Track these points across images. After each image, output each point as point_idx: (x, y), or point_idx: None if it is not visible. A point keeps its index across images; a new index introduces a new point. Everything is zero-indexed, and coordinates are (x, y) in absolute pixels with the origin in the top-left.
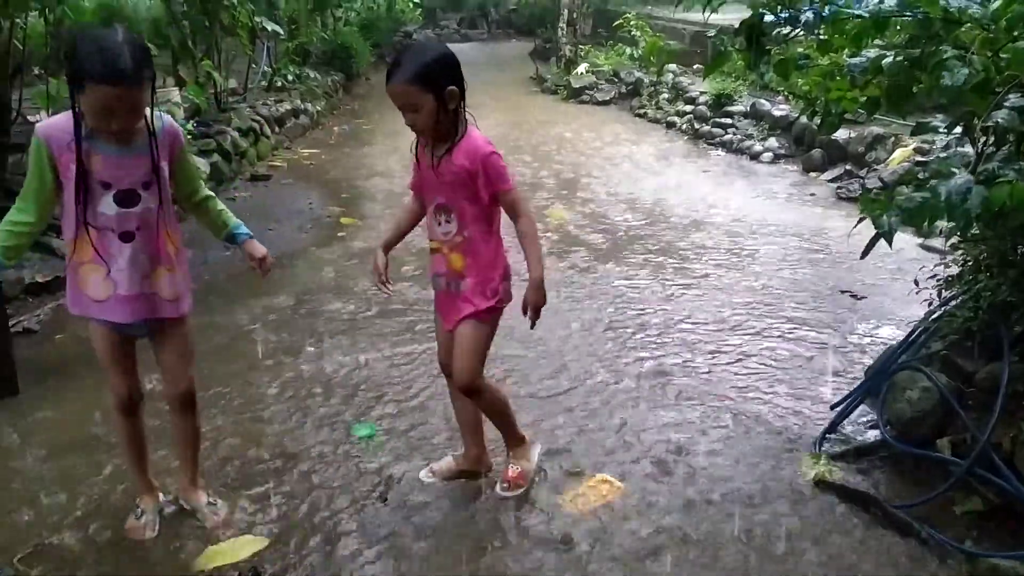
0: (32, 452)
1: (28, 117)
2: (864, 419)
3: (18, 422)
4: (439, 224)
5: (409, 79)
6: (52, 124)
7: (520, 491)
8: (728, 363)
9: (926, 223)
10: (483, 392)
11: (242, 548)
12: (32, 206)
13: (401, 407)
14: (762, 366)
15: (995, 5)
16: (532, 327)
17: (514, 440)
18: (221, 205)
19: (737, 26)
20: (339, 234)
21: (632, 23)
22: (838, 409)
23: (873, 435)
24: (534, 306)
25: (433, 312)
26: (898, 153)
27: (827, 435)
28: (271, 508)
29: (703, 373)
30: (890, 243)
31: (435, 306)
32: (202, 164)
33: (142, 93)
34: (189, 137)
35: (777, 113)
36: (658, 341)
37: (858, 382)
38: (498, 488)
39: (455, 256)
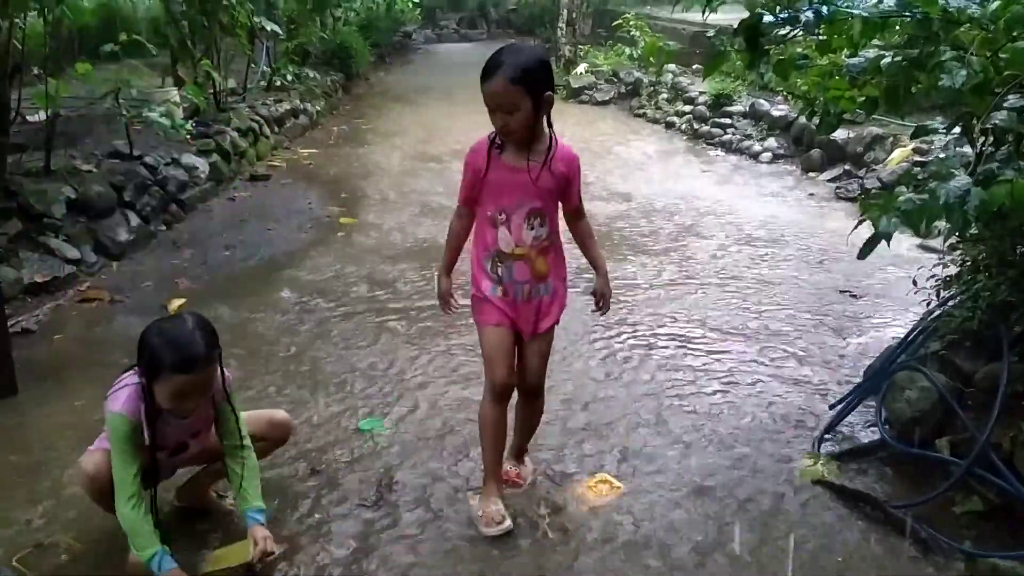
0: (31, 453)
1: (27, 117)
2: (863, 419)
3: (17, 422)
4: (531, 229)
5: (512, 79)
6: (127, 403)
7: (516, 490)
8: (725, 362)
9: (924, 224)
10: (541, 396)
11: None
12: (136, 481)
13: (403, 405)
14: (760, 365)
15: (994, 5)
16: (604, 314)
17: (521, 451)
18: (251, 470)
19: (736, 26)
20: (339, 234)
21: (631, 23)
22: (837, 409)
23: (872, 435)
24: (607, 295)
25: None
26: (897, 153)
27: (826, 435)
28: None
29: (699, 372)
30: (888, 244)
31: (494, 315)
32: (201, 164)
33: (214, 371)
34: (188, 137)
35: (776, 113)
36: (654, 340)
37: (857, 381)
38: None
39: (540, 260)
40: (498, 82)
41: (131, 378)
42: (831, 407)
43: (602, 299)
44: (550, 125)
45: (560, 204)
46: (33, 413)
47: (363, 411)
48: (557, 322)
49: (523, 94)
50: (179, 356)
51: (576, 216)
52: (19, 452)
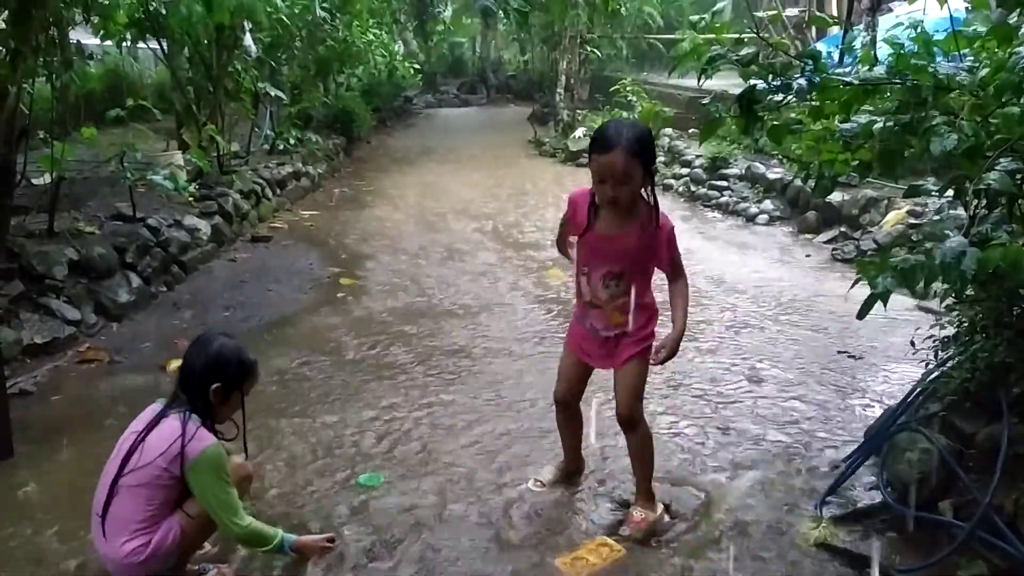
0: (27, 516)
1: (32, 180)
2: (865, 481)
3: (12, 485)
4: (606, 288)
5: (631, 151)
6: (210, 436)
7: (640, 535)
8: (726, 424)
9: (921, 284)
10: (640, 425)
11: None
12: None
13: (397, 466)
14: (760, 427)
15: (983, 72)
16: (656, 364)
17: (645, 491)
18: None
19: (730, 92)
20: (338, 295)
21: (628, 88)
22: (838, 471)
23: (874, 497)
24: (671, 354)
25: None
26: (892, 215)
27: (828, 497)
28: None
29: (698, 437)
30: (885, 304)
31: (572, 343)
32: (203, 226)
33: None
34: (191, 199)
35: (772, 176)
36: (652, 404)
37: (858, 443)
38: (624, 529)
39: (616, 314)
40: (617, 154)
41: (177, 421)
42: (832, 469)
43: (662, 351)
44: (654, 194)
45: (657, 266)
46: (28, 475)
47: (361, 467)
48: (635, 357)
49: (639, 165)
50: (251, 358)
51: (671, 277)
52: (13, 515)
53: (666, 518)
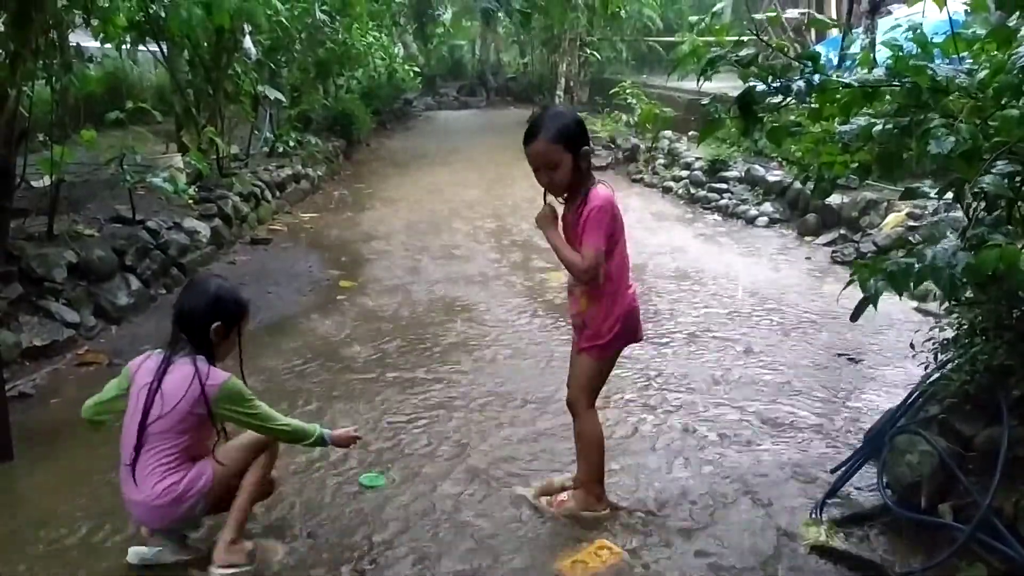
0: (25, 519)
1: (31, 182)
2: (864, 483)
3: (12, 488)
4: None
5: (551, 138)
6: (223, 372)
7: (549, 513)
8: (725, 426)
9: (912, 286)
10: (581, 416)
11: None
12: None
13: (398, 467)
14: (759, 430)
15: (982, 75)
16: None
17: (587, 480)
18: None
19: (729, 94)
20: (338, 297)
21: (628, 91)
22: (838, 474)
23: (874, 499)
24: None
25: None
26: (891, 218)
27: (827, 500)
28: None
29: (699, 437)
30: (876, 306)
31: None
32: (202, 228)
33: None
34: (190, 201)
35: (771, 178)
36: (652, 404)
37: (858, 446)
38: (530, 496)
39: (583, 300)
40: (539, 143)
41: (188, 364)
42: (832, 471)
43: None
44: (592, 177)
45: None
46: (28, 478)
47: (362, 468)
48: (585, 351)
49: (563, 150)
50: (245, 298)
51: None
52: (13, 519)
53: (602, 512)
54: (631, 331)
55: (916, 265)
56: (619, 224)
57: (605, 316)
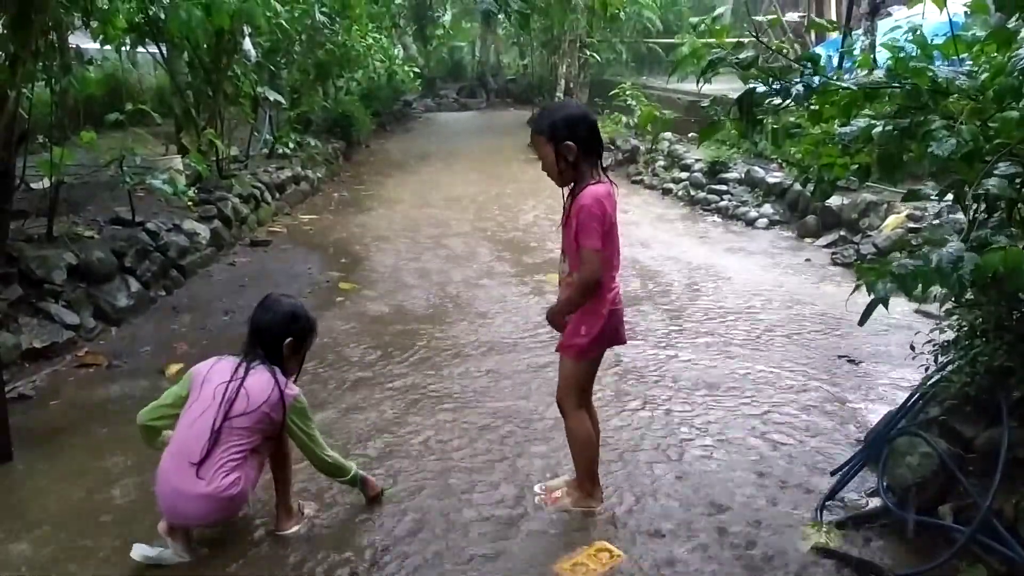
0: (25, 520)
1: (31, 184)
2: (865, 485)
3: (11, 489)
4: (561, 262)
5: (536, 129)
6: (295, 386)
7: (546, 507)
8: (724, 428)
9: (919, 290)
10: (568, 416)
11: None
12: None
13: (398, 470)
14: (760, 432)
15: (982, 76)
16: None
17: (580, 478)
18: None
19: (729, 96)
20: (338, 299)
21: (628, 92)
22: (838, 475)
23: (874, 502)
24: (549, 320)
25: None
26: (891, 220)
27: (827, 502)
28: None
29: (698, 439)
30: (887, 307)
31: None
32: (202, 230)
33: None
34: (190, 203)
35: (771, 180)
36: (652, 406)
37: (858, 448)
38: (537, 487)
39: (565, 294)
40: (532, 136)
41: (267, 372)
42: (832, 473)
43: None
44: (590, 174)
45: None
46: (27, 479)
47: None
48: (566, 350)
49: (545, 142)
50: (314, 318)
51: (576, 263)
52: (12, 520)
53: (590, 508)
54: (612, 332)
55: (924, 268)
56: (609, 223)
57: (583, 316)
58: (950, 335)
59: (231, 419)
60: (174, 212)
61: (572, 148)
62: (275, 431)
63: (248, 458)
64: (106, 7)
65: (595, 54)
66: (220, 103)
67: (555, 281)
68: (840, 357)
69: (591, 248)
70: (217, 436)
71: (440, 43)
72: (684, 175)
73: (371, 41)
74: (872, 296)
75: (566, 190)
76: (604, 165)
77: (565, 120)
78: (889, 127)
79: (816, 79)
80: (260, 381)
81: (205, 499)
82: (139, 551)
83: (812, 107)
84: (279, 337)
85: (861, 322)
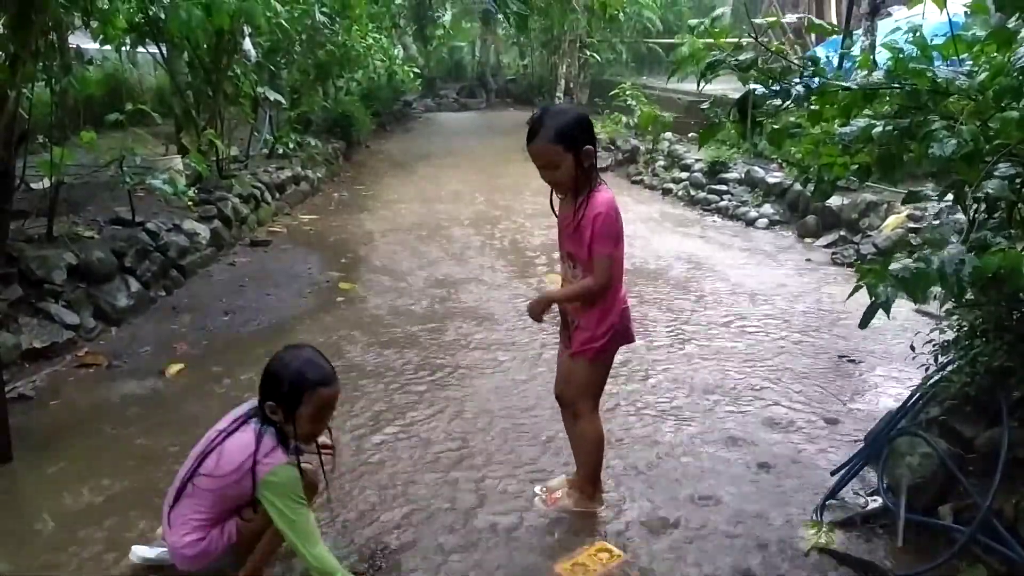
0: (25, 520)
1: (31, 184)
2: (865, 485)
3: (11, 489)
4: (569, 268)
5: (551, 139)
6: (282, 454)
7: (545, 509)
8: (724, 428)
9: (920, 292)
10: (583, 417)
11: None
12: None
13: (397, 470)
14: (760, 432)
15: (982, 77)
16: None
17: (583, 480)
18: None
19: (729, 96)
20: (338, 299)
21: (628, 93)
22: (838, 475)
23: (874, 501)
24: (528, 308)
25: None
26: (891, 220)
27: (828, 501)
28: None
29: (698, 439)
30: (888, 313)
31: (560, 335)
32: (202, 230)
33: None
34: (190, 203)
35: (771, 180)
36: (653, 406)
37: (858, 448)
38: (537, 488)
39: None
40: (539, 143)
41: (249, 433)
42: (832, 473)
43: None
44: (596, 177)
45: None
46: (27, 479)
47: (361, 470)
48: (579, 355)
49: (563, 151)
50: (321, 371)
51: (590, 271)
52: (12, 520)
53: (595, 508)
54: (625, 331)
55: (925, 270)
56: (621, 228)
57: (601, 319)
58: (950, 335)
59: (198, 477)
60: (174, 212)
61: (591, 152)
62: (247, 502)
63: (214, 523)
64: (106, 7)
65: (595, 54)
66: (220, 103)
67: (555, 281)
68: (840, 357)
69: (607, 255)
70: (182, 489)
71: (440, 43)
72: (684, 175)
73: (371, 41)
74: (873, 300)
75: (555, 194)
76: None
77: (577, 124)
78: (889, 127)
79: (815, 80)
80: (239, 443)
81: (173, 550)
82: (138, 553)
83: (812, 107)
84: (262, 397)
85: (862, 325)
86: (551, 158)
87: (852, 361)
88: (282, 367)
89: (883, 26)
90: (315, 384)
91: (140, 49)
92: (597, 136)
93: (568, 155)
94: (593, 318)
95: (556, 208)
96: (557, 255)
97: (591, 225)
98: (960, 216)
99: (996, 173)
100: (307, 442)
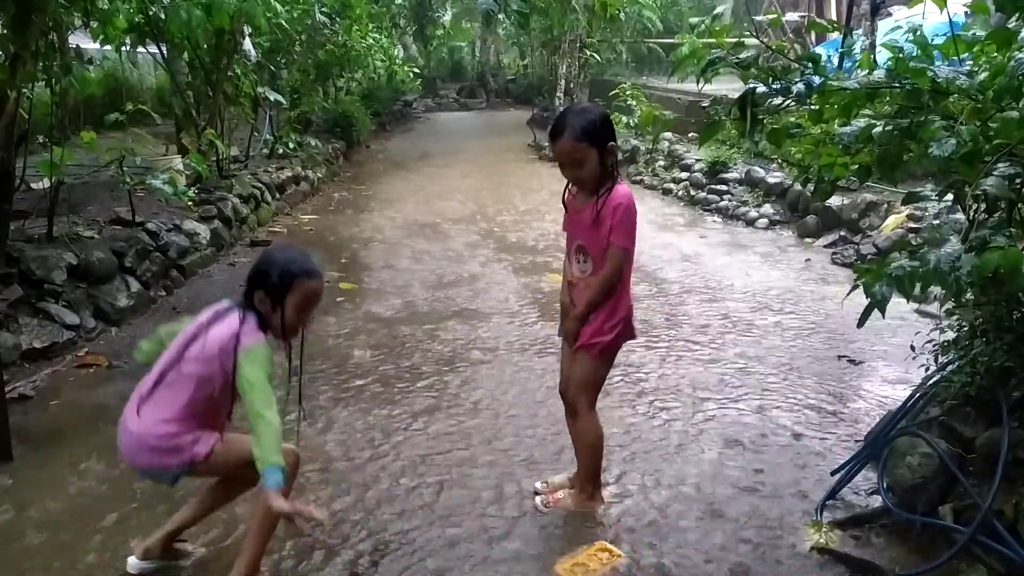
0: (24, 520)
1: (31, 184)
2: (865, 485)
3: (11, 490)
4: (578, 262)
5: (577, 136)
6: (259, 333)
7: (546, 511)
8: (724, 428)
9: (917, 290)
10: (581, 415)
11: None
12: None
13: (397, 470)
14: (760, 432)
15: (982, 76)
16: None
17: (583, 480)
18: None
19: (729, 96)
20: (338, 299)
21: (628, 93)
22: (839, 475)
23: (874, 501)
24: (566, 332)
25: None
26: (891, 220)
27: (828, 502)
28: None
29: (698, 439)
30: (883, 313)
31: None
32: (202, 230)
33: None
34: (190, 203)
35: (771, 180)
36: (654, 408)
37: (857, 447)
38: (537, 484)
39: (587, 293)
40: (565, 140)
41: (234, 316)
42: (832, 473)
43: (564, 333)
44: (616, 173)
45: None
46: (27, 480)
47: (361, 470)
48: (584, 348)
49: (588, 147)
50: (306, 263)
51: (604, 262)
52: (12, 520)
53: (595, 507)
54: (630, 328)
55: (921, 269)
56: (636, 225)
57: (610, 314)
58: (950, 335)
59: (183, 362)
60: (174, 212)
61: (615, 148)
62: (225, 382)
63: (191, 418)
64: (106, 7)
65: (595, 54)
66: (220, 103)
67: (555, 280)
68: (840, 357)
69: (623, 247)
70: (163, 375)
71: (440, 43)
72: (684, 175)
73: (371, 41)
74: (869, 299)
75: (566, 191)
76: None
77: (601, 121)
78: (889, 127)
79: (816, 79)
80: (224, 327)
81: (136, 438)
82: (135, 566)
83: (812, 107)
84: (249, 288)
85: (860, 324)
86: (576, 155)
87: (852, 361)
88: (272, 260)
89: (883, 26)
90: (303, 274)
91: (140, 49)
92: None
93: (592, 152)
94: (603, 313)
95: (566, 202)
96: (557, 254)
97: (612, 215)
98: (960, 216)
99: (995, 172)
100: (290, 334)
